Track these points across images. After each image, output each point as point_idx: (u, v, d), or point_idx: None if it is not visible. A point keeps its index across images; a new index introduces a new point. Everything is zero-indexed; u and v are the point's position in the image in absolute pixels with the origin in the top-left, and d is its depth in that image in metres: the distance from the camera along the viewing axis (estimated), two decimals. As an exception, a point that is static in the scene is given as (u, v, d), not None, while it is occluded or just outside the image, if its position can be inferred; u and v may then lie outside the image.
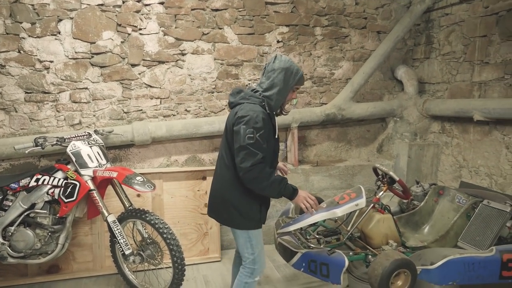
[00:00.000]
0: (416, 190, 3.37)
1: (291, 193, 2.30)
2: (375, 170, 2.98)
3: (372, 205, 2.84)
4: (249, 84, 4.02)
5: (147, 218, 2.80)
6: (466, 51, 3.96)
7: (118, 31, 3.58)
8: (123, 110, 3.72)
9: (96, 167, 2.86)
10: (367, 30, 4.36)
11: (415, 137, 4.45)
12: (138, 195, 3.52)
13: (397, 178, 2.73)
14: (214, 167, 3.67)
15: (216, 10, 3.81)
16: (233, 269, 2.75)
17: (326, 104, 4.27)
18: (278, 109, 2.41)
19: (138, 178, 2.77)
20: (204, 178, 3.70)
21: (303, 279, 3.36)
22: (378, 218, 2.77)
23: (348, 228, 2.90)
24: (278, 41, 4.07)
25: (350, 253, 2.61)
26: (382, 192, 2.86)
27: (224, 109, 4.00)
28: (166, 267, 3.05)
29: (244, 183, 2.23)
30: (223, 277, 3.41)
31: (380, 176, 2.94)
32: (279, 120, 3.86)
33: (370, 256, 2.54)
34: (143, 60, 3.70)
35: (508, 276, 2.41)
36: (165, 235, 2.74)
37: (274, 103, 2.31)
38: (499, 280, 2.42)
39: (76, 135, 3.00)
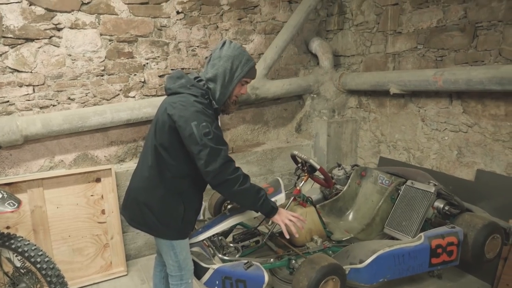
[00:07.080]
0: (338, 174, 3.13)
1: (270, 209, 1.96)
2: (294, 158, 2.65)
3: (292, 198, 2.52)
4: (148, 62, 3.41)
5: (13, 246, 2.16)
6: (379, 21, 3.77)
7: (-40, 0, 2.72)
8: (-19, 103, 2.91)
9: None
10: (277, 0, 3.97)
11: (333, 114, 4.24)
12: (12, 211, 2.80)
13: (318, 166, 2.42)
14: (110, 166, 3.12)
15: (97, -27, 3.10)
16: (153, 277, 2.35)
17: (238, 83, 3.83)
18: (222, 105, 1.98)
19: (-5, 194, 2.10)
20: (98, 180, 3.08)
21: None
22: (300, 212, 2.46)
23: (269, 225, 2.56)
24: (178, 12, 3.49)
25: (271, 259, 2.27)
26: (303, 182, 2.55)
27: (119, 94, 3.36)
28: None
29: (212, 187, 1.86)
30: (131, 295, 2.90)
31: (299, 164, 2.62)
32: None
33: (293, 261, 2.21)
34: (4, 37, 2.89)
35: (437, 263, 2.26)
36: (38, 265, 2.14)
37: (218, 98, 1.94)
38: (428, 268, 2.26)
39: None
